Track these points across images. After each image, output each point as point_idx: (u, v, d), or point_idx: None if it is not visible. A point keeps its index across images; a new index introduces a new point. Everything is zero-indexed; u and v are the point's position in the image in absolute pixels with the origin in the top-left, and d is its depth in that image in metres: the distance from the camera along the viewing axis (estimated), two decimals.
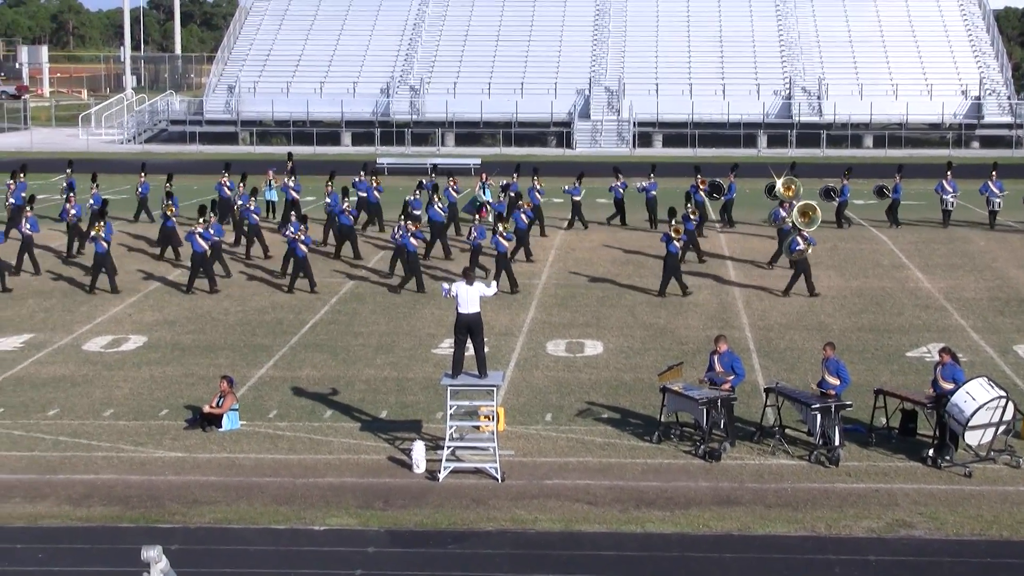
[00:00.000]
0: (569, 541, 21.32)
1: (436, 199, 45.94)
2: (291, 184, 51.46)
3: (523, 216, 44.41)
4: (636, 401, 28.84)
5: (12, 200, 49.16)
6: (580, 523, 21.99)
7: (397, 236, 41.56)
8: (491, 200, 49.22)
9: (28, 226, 42.86)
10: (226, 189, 50.69)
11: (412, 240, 40.32)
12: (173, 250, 45.87)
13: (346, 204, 45.75)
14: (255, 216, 46.11)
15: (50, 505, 22.83)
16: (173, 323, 36.55)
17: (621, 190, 52.36)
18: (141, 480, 24.09)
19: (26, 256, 43.02)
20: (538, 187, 49.77)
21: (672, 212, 41.76)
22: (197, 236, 39.84)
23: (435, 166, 55.59)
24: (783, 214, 44.64)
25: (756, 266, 44.35)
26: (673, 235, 39.35)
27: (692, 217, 43.14)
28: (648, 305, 38.61)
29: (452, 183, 50.35)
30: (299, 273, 40.18)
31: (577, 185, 51.84)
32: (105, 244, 40.27)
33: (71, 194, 47.21)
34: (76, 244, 46.30)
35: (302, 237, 39.86)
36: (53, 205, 52.79)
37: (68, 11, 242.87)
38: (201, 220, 40.76)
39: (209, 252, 40.46)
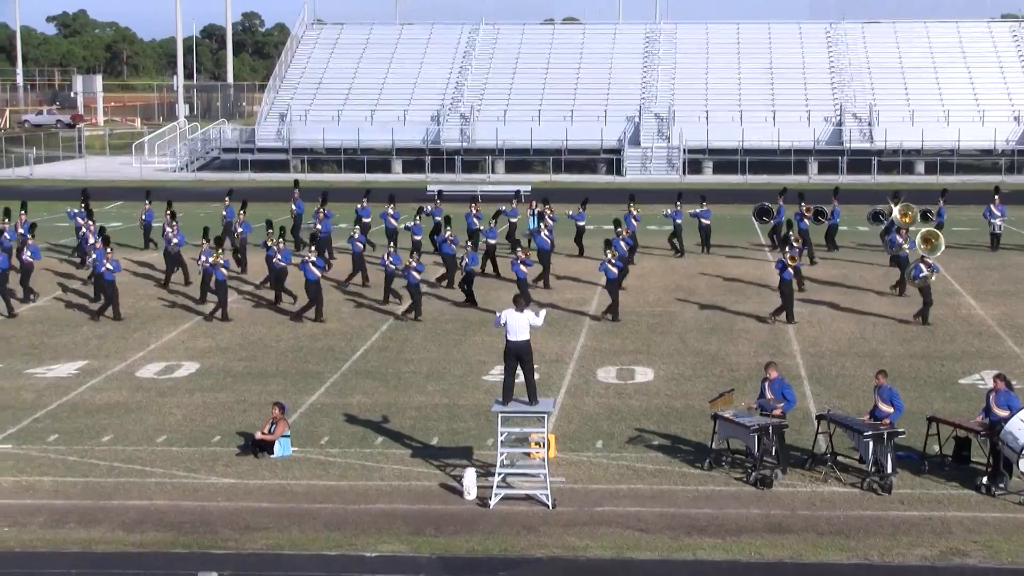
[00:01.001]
0: (620, 568, 21.29)
1: (448, 230, 45.75)
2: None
3: (544, 237, 44.96)
4: (687, 428, 28.79)
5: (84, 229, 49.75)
6: (631, 550, 21.95)
7: (388, 261, 41.88)
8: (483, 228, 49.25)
9: (29, 253, 43.34)
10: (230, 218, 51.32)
11: (414, 274, 40.25)
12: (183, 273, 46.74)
13: (356, 230, 46.17)
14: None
15: (104, 530, 22.98)
16: (225, 350, 36.76)
17: (678, 219, 52.21)
18: (194, 506, 24.22)
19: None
20: (635, 213, 50.01)
21: (786, 239, 41.66)
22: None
23: (440, 192, 55.53)
24: (899, 240, 44.37)
25: (806, 287, 44.18)
26: (789, 262, 39.34)
27: (796, 244, 42.45)
28: (698, 332, 38.55)
29: (475, 209, 50.52)
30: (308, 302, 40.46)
31: (581, 211, 52.13)
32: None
33: (175, 222, 47.38)
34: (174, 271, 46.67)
35: (313, 259, 40.14)
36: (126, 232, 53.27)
37: (122, 40, 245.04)
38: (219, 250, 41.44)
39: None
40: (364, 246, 46.33)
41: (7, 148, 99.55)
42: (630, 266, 46.10)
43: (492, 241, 47.33)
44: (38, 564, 21.54)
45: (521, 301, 25.54)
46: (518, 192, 56.55)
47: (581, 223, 52.17)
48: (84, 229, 49.01)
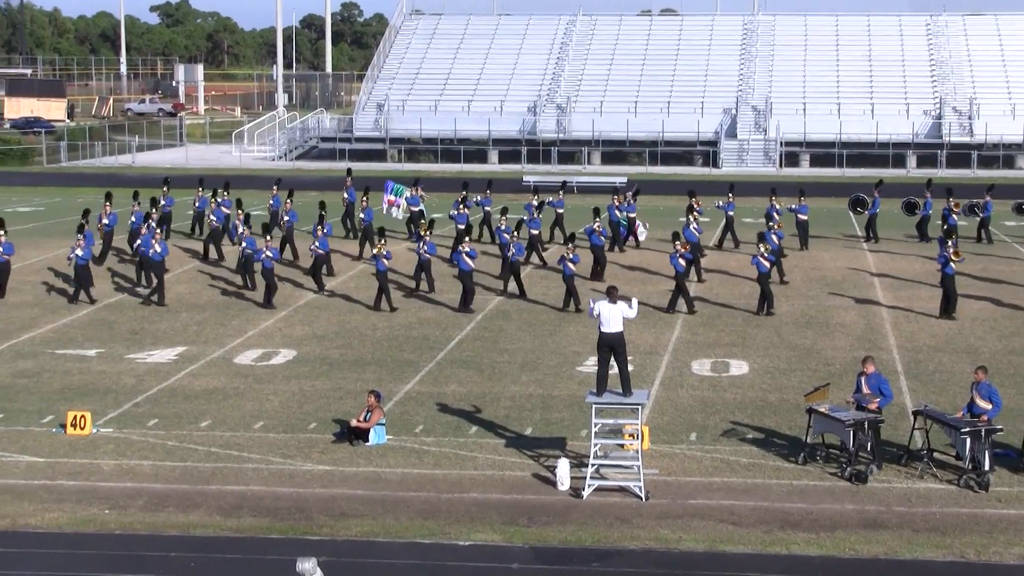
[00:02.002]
0: (713, 561, 21.27)
1: (503, 219, 45.80)
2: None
3: (598, 234, 44.92)
4: (781, 422, 28.68)
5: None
6: (724, 544, 21.92)
7: (422, 250, 42.09)
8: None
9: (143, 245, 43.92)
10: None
11: (466, 259, 40.37)
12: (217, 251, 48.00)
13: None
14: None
15: (202, 515, 23.29)
16: (322, 338, 37.07)
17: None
18: (290, 492, 24.48)
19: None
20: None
21: (949, 232, 41.26)
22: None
23: (466, 184, 55.43)
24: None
25: (903, 281, 43.80)
26: (953, 258, 39.07)
27: (947, 240, 41.89)
28: (794, 325, 38.35)
29: (536, 199, 50.68)
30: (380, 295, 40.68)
31: (632, 202, 51.93)
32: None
33: (239, 211, 47.94)
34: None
35: (384, 252, 40.36)
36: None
37: (223, 30, 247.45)
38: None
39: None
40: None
41: (110, 136, 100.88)
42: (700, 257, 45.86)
43: (535, 232, 47.16)
44: (138, 546, 21.87)
45: (615, 292, 25.54)
46: (564, 183, 56.25)
47: (731, 213, 51.73)
48: (233, 218, 49.06)
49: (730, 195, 51.64)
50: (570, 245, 40.60)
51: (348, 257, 49.00)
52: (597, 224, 45.24)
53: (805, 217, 51.21)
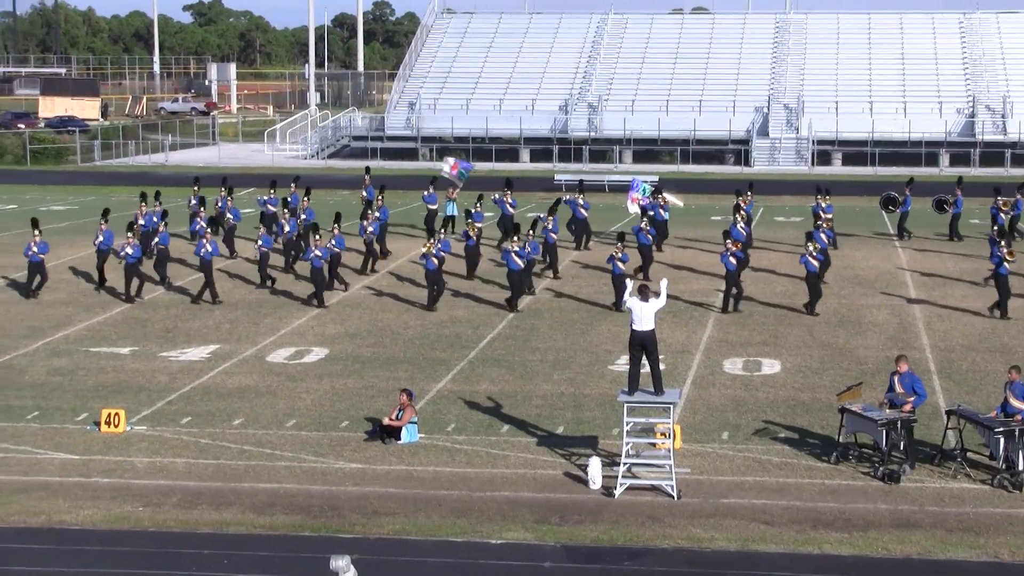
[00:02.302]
0: (745, 561, 21.26)
1: (549, 219, 45.78)
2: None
3: (645, 233, 44.75)
4: (814, 421, 28.63)
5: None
6: (756, 543, 21.91)
7: (526, 253, 42.13)
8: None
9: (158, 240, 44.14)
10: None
11: (515, 259, 40.31)
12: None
13: None
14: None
15: (235, 512, 23.38)
16: (354, 336, 37.16)
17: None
18: (322, 490, 24.56)
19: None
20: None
21: (1003, 233, 41.05)
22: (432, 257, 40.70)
23: (508, 181, 55.24)
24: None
25: (936, 280, 43.65)
26: (1008, 258, 38.97)
27: (999, 240, 41.68)
28: (827, 324, 38.26)
29: (581, 197, 50.61)
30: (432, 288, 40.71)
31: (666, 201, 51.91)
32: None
33: (285, 211, 48.00)
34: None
35: (435, 251, 40.35)
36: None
37: (255, 29, 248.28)
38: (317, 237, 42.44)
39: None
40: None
41: (143, 135, 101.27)
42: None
43: (553, 233, 47.09)
44: (171, 543, 21.97)
45: (647, 291, 25.55)
46: (580, 182, 56.15)
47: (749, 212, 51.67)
48: (280, 216, 49.05)
49: (749, 194, 51.53)
50: (620, 244, 40.44)
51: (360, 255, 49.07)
52: (644, 223, 45.16)
53: (831, 216, 51.04)
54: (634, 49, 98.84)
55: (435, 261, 40.26)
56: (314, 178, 71.24)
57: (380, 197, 50.83)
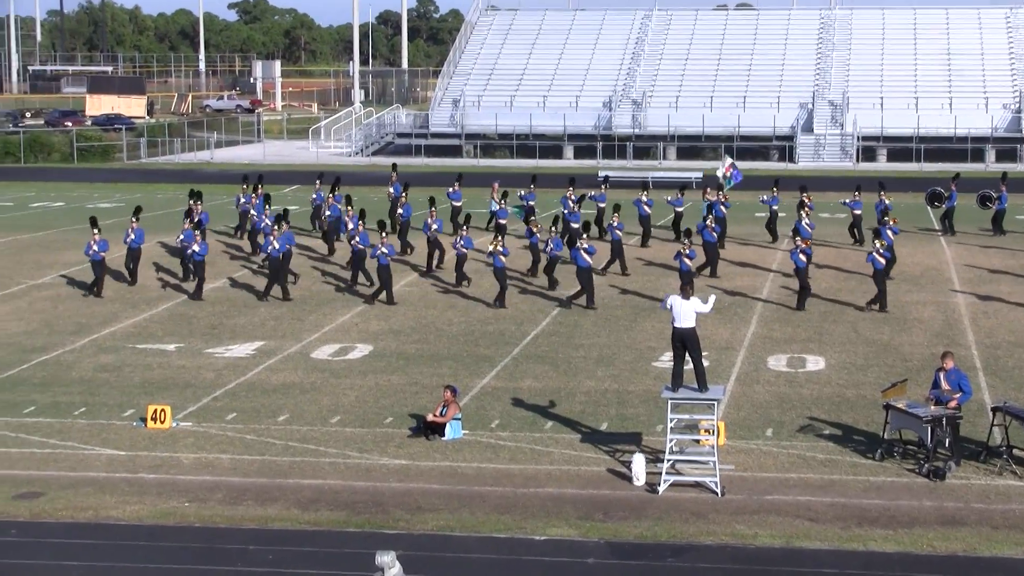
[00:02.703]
0: (790, 557, 21.21)
1: (615, 216, 45.72)
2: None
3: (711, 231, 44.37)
4: (858, 418, 28.53)
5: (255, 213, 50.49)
6: (801, 540, 21.86)
7: (548, 249, 42.08)
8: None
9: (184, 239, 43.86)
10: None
11: (584, 256, 40.16)
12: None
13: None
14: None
15: (280, 508, 23.49)
16: (398, 333, 37.25)
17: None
18: (366, 486, 24.63)
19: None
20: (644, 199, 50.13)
21: None
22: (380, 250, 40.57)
23: (572, 180, 54.77)
24: None
25: (981, 275, 43.40)
26: None
27: None
28: (871, 321, 38.12)
29: (645, 195, 50.52)
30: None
31: (775, 196, 51.58)
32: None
33: (349, 207, 48.08)
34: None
35: (501, 248, 40.39)
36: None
37: (300, 27, 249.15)
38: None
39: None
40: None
41: (189, 133, 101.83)
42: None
43: (575, 225, 46.67)
44: (217, 539, 22.09)
45: (688, 288, 25.53)
46: (606, 177, 55.97)
47: (775, 207, 51.58)
48: (343, 214, 48.90)
49: (774, 189, 51.38)
50: (687, 241, 40.29)
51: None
52: (709, 220, 44.84)
53: (859, 212, 50.82)
54: (678, 45, 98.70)
55: (502, 259, 40.20)
56: (358, 175, 71.53)
57: (404, 195, 50.83)
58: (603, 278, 43.95)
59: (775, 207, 51.36)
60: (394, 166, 58.21)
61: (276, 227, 42.70)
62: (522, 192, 52.95)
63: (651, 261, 47.39)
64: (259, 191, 51.29)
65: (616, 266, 44.95)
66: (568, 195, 50.58)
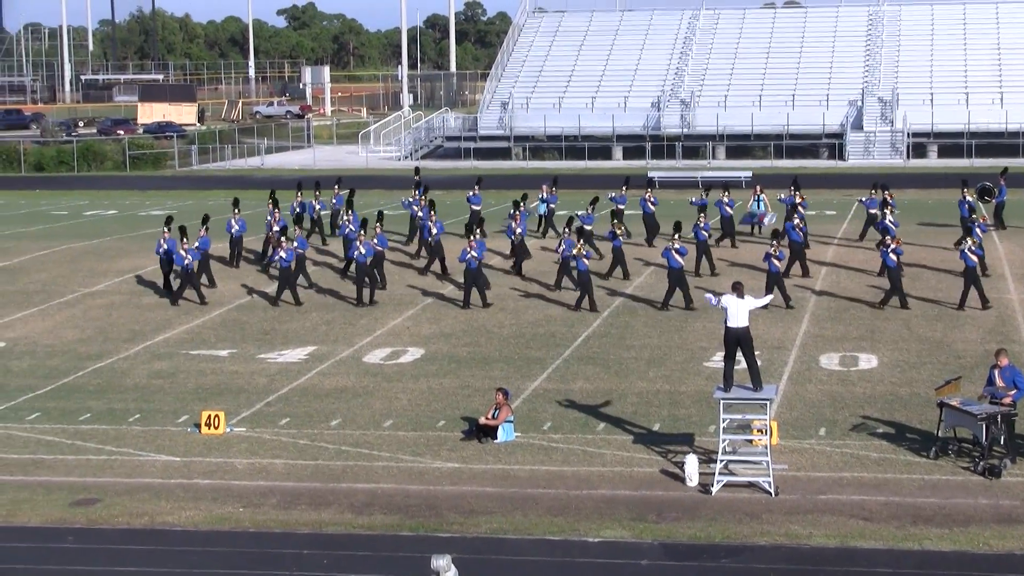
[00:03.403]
0: (844, 557, 21.15)
1: (702, 217, 45.53)
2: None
3: (798, 231, 43.78)
4: (912, 416, 28.40)
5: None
6: (855, 539, 21.78)
7: (560, 250, 41.84)
8: (765, 211, 49.30)
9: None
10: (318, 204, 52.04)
11: (676, 256, 39.96)
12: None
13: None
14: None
15: (334, 513, 23.59)
16: (449, 336, 37.33)
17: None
18: (420, 490, 24.71)
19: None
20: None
21: None
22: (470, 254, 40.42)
23: (651, 181, 54.26)
24: None
25: None
26: None
27: None
28: (923, 318, 37.92)
29: (726, 195, 50.24)
30: (473, 287, 40.64)
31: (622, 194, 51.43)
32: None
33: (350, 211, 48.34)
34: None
35: (585, 252, 40.10)
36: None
37: (349, 32, 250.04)
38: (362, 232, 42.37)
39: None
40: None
41: (240, 139, 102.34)
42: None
43: (588, 227, 46.20)
44: (271, 544, 22.22)
45: (741, 288, 25.48)
46: (627, 179, 55.61)
47: (873, 210, 51.02)
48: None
49: (792, 188, 50.97)
50: (775, 242, 39.79)
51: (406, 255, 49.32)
52: (797, 220, 44.24)
53: (875, 211, 50.30)
54: (726, 44, 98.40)
55: (585, 262, 40.00)
56: (407, 179, 71.54)
57: (424, 198, 50.80)
58: (647, 282, 43.92)
59: (873, 210, 50.49)
60: (417, 170, 58.32)
61: (363, 232, 42.39)
62: (543, 194, 52.87)
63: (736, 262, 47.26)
64: (339, 192, 51.76)
65: (620, 270, 44.60)
66: (617, 195, 50.62)
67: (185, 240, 42.25)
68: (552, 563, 21.26)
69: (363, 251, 41.36)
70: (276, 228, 44.98)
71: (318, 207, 51.90)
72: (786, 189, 51.38)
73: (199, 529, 22.98)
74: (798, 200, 48.55)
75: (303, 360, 34.96)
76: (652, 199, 50.61)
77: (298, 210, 51.75)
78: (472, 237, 40.95)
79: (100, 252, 53.07)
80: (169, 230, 44.10)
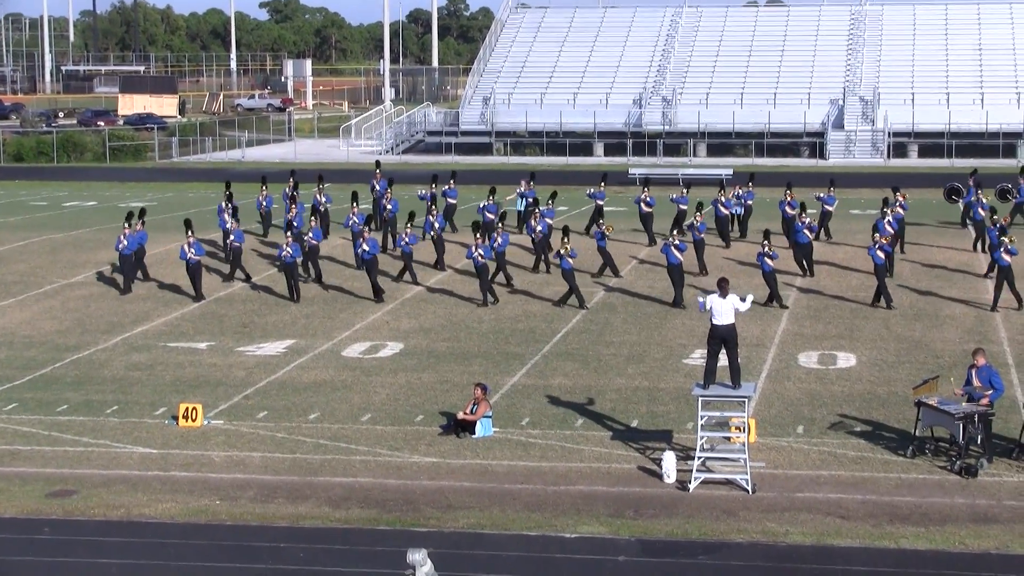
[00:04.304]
0: (821, 555, 21.19)
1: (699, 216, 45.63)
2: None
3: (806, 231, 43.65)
4: (890, 415, 28.46)
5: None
6: (832, 537, 21.82)
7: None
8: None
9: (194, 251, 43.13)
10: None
11: (675, 252, 39.89)
12: None
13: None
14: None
15: (311, 506, 23.57)
16: (429, 331, 37.30)
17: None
18: (398, 484, 24.69)
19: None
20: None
21: None
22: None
23: (686, 182, 54.81)
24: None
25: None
26: None
27: None
28: (903, 318, 38.00)
29: (722, 194, 50.46)
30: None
31: (831, 193, 51.01)
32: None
33: (354, 204, 48.20)
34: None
35: (570, 251, 39.82)
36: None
37: (331, 25, 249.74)
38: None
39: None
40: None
41: (221, 131, 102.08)
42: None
43: (550, 221, 46.91)
44: (248, 537, 22.19)
45: (726, 285, 25.49)
46: (605, 175, 55.51)
47: (830, 207, 51.09)
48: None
49: (831, 189, 51.06)
50: (767, 241, 39.66)
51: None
52: (808, 220, 44.01)
53: (831, 208, 50.47)
54: (708, 42, 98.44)
55: (570, 261, 39.81)
56: (388, 173, 71.43)
57: (390, 191, 50.79)
58: (627, 279, 43.97)
59: (830, 206, 50.73)
60: (377, 163, 58.15)
61: (367, 228, 42.09)
62: (521, 189, 52.79)
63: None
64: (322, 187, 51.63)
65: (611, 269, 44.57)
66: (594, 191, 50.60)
67: (191, 234, 41.89)
68: (529, 558, 21.26)
69: (367, 248, 41.28)
70: (355, 219, 45.62)
71: (323, 200, 51.58)
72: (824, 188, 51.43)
73: (176, 521, 22.94)
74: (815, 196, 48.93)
75: (282, 353, 34.90)
76: (648, 199, 50.14)
77: (264, 204, 51.62)
78: (479, 236, 40.95)
79: (79, 243, 52.91)
80: (129, 226, 43.74)
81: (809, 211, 44.78)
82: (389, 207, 49.62)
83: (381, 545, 21.65)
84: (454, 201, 52.75)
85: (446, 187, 53.30)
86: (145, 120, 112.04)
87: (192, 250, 41.54)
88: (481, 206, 48.47)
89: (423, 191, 53.08)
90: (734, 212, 51.15)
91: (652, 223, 50.26)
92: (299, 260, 41.83)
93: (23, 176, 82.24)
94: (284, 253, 41.26)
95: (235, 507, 23.53)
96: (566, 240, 39.91)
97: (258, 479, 25.05)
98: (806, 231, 43.31)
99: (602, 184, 52.72)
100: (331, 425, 28.41)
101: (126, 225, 43.56)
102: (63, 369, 33.60)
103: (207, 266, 45.80)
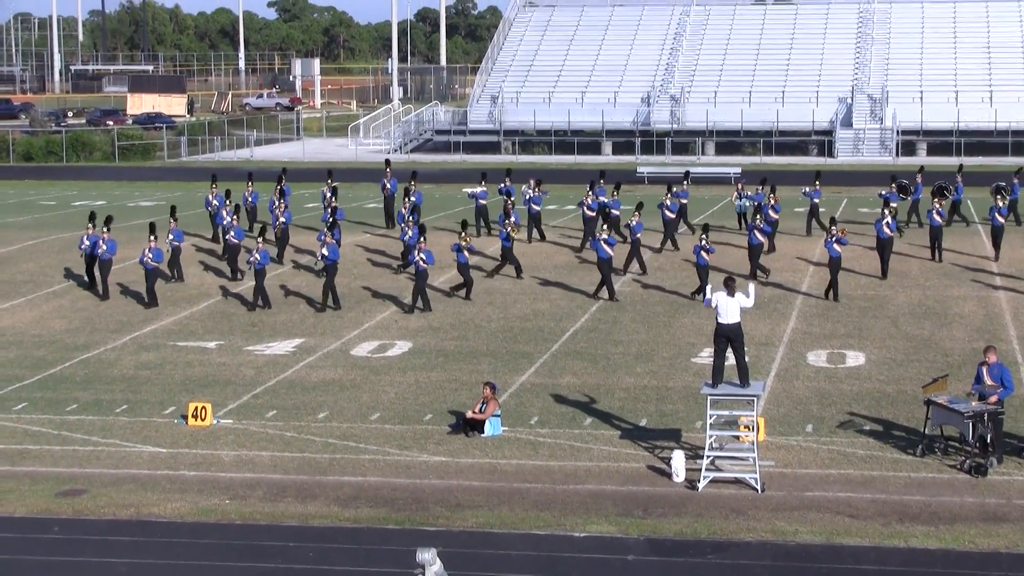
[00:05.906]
0: (830, 554, 21.17)
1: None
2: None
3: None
4: (899, 413, 28.44)
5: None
6: (841, 536, 21.81)
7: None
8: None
9: (171, 237, 43.38)
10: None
11: (605, 247, 39.99)
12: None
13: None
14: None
15: (320, 505, 23.58)
16: (437, 329, 37.30)
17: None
18: (406, 483, 24.70)
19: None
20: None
21: None
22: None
23: (687, 173, 54.50)
24: None
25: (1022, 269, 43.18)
26: None
27: None
28: (911, 316, 37.96)
29: (743, 188, 50.39)
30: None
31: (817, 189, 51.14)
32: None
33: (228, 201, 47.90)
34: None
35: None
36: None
37: (339, 24, 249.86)
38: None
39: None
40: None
41: (229, 130, 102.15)
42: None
43: (537, 207, 48.95)
44: (257, 536, 22.21)
45: (732, 284, 25.47)
46: (602, 173, 55.17)
47: (816, 201, 51.14)
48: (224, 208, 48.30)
49: (816, 184, 51.03)
50: (704, 236, 39.78)
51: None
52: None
53: (817, 202, 50.51)
54: (717, 40, 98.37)
55: (607, 249, 39.84)
56: (396, 172, 71.43)
57: (414, 184, 50.70)
58: (631, 276, 43.95)
59: (816, 200, 50.96)
60: (387, 162, 58.02)
61: (422, 239, 41.68)
62: (529, 194, 52.48)
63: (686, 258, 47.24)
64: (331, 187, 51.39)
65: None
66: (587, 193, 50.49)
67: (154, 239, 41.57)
68: (538, 557, 21.26)
69: (326, 253, 40.16)
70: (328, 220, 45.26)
71: (328, 194, 51.46)
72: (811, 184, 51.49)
73: (185, 521, 22.96)
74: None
75: (290, 352, 34.93)
76: (671, 205, 49.63)
77: (250, 200, 51.35)
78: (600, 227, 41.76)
79: None
80: (93, 226, 43.41)
81: (797, 209, 44.74)
82: (413, 199, 49.32)
83: (390, 544, 21.66)
84: (484, 202, 52.44)
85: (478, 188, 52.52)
86: (154, 119, 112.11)
87: (151, 255, 41.05)
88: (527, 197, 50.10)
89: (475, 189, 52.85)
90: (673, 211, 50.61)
91: (675, 228, 49.95)
92: (266, 267, 41.05)
93: (33, 176, 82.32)
94: (252, 259, 40.67)
95: (244, 506, 23.55)
96: (605, 227, 40.84)
97: (267, 478, 25.07)
98: (757, 232, 43.06)
99: (602, 181, 52.40)
100: (340, 424, 28.44)
101: (90, 226, 43.36)
102: (72, 368, 33.65)
103: (207, 264, 45.94)
